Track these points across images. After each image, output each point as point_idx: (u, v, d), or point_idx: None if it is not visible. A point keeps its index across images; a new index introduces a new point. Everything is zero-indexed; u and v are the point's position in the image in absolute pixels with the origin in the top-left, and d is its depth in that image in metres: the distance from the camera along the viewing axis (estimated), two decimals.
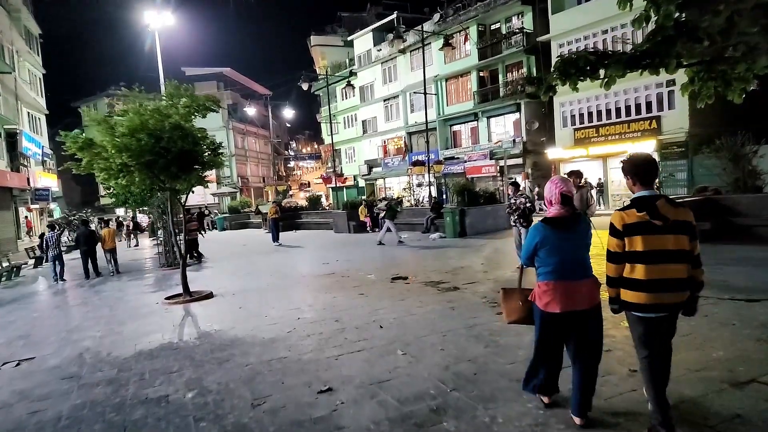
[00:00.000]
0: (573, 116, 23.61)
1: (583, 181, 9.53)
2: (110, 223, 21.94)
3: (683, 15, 7.40)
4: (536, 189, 23.16)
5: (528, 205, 8.85)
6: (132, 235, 24.35)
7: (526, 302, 3.29)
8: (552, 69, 8.79)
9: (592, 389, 3.06)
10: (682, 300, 2.77)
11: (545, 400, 3.32)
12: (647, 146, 20.10)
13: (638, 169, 2.85)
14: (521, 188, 10.73)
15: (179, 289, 8.90)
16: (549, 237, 3.01)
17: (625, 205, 2.93)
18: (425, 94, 21.66)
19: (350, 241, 16.80)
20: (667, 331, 2.86)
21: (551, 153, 24.46)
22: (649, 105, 20.48)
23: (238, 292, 9.03)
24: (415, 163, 23.99)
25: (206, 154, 8.37)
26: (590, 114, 22.84)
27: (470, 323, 5.54)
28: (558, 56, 8.76)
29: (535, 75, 26.19)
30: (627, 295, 2.79)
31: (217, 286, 9.92)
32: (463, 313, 6.05)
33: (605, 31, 21.43)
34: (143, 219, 30.66)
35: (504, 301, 3.51)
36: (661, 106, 20.06)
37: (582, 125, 23.12)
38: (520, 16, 26.64)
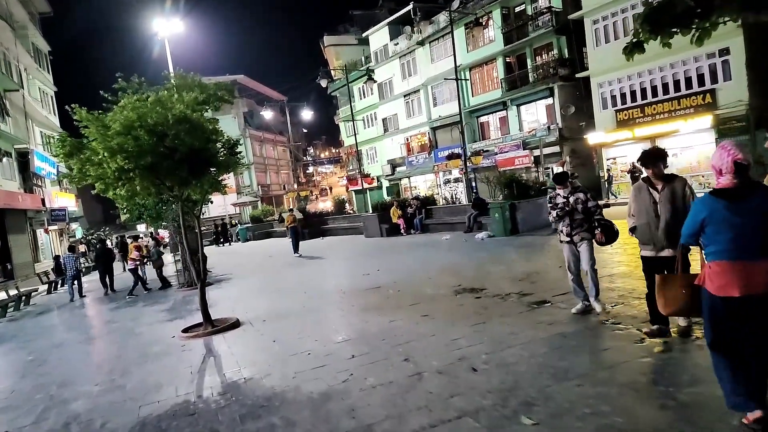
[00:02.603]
0: (614, 96, 21.58)
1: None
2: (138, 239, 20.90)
3: None
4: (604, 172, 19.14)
5: (591, 204, 5.08)
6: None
7: (690, 288, 2.94)
8: (639, 20, 7.09)
9: None
10: None
11: (754, 415, 2.55)
12: (702, 123, 18.06)
13: None
14: (572, 177, 7.94)
15: (199, 316, 7.45)
16: (718, 211, 2.66)
17: None
18: (457, 79, 19.96)
19: (386, 246, 15.23)
20: None
21: (591, 138, 22.48)
22: (701, 78, 18.35)
23: (268, 317, 7.54)
24: (450, 156, 22.32)
25: (221, 152, 6.91)
26: (633, 93, 20.78)
27: (608, 360, 3.90)
28: (645, 2, 7.04)
29: (567, 56, 24.37)
30: None
31: (243, 308, 8.48)
32: (582, 341, 4.40)
33: (645, 2, 19.41)
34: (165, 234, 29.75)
35: (662, 289, 3.19)
36: (716, 77, 17.92)
37: (624, 106, 21.07)
38: None
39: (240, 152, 7.76)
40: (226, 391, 4.49)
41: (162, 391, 4.73)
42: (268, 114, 40.48)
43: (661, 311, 3.33)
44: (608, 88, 21.66)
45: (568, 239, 5.14)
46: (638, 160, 4.10)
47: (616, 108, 21.33)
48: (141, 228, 38.42)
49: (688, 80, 18.71)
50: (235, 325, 7.29)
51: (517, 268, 8.42)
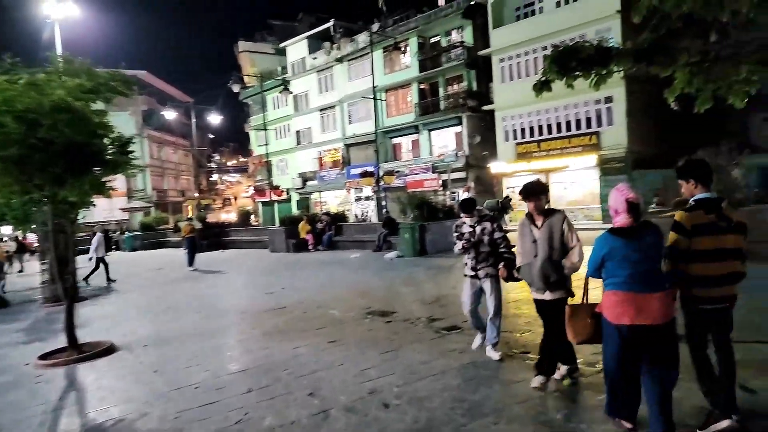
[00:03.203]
0: (515, 130, 23.25)
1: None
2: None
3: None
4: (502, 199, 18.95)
5: (498, 235, 4.53)
6: (11, 260, 19.91)
7: (594, 318, 3.11)
8: (548, 61, 7.52)
9: (670, 410, 2.84)
10: (737, 292, 3.01)
11: (627, 425, 2.98)
12: (588, 161, 20.07)
13: (699, 172, 3.06)
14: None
15: (65, 338, 6.30)
16: (617, 248, 2.90)
17: (690, 205, 3.04)
18: (375, 99, 20.05)
19: (292, 263, 14.55)
20: (726, 321, 3.03)
21: (494, 167, 23.93)
22: (588, 120, 20.49)
23: (152, 341, 6.61)
24: (364, 174, 22.23)
25: (109, 150, 5.99)
26: (531, 128, 22.56)
27: (521, 394, 3.81)
28: (553, 47, 7.51)
29: (475, 89, 25.83)
30: (695, 290, 2.97)
31: (121, 330, 7.40)
32: (494, 372, 4.30)
33: (545, 48, 21.26)
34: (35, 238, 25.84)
35: (571, 319, 3.28)
36: (600, 121, 20.13)
37: (524, 140, 22.80)
38: (460, 30, 26.19)
39: (133, 152, 6.82)
40: None
41: None
42: (170, 114, 37.55)
43: (571, 341, 3.40)
44: (510, 122, 23.26)
45: (473, 273, 4.59)
46: (519, 193, 3.90)
47: (516, 141, 22.94)
48: (5, 230, 33.10)
49: (578, 122, 20.75)
50: (109, 350, 6.28)
51: (427, 291, 8.36)
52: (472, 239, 4.53)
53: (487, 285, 4.53)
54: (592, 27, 18.19)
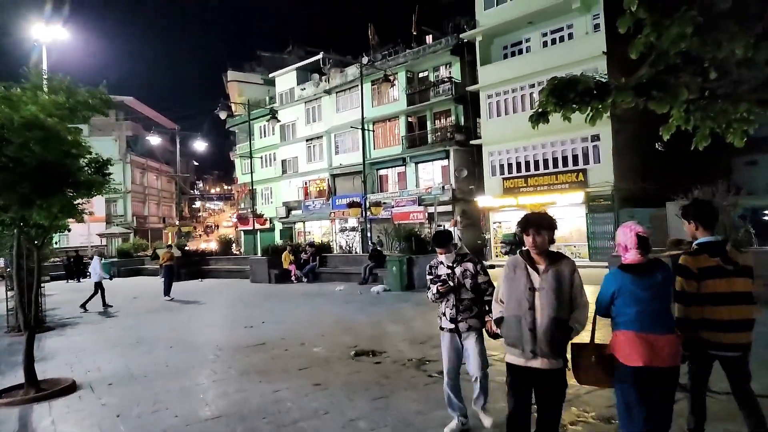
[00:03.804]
0: (502, 165, 23.40)
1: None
2: None
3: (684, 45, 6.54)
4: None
5: (482, 279, 3.83)
6: None
7: (601, 359, 2.89)
8: (545, 93, 7.46)
9: None
10: (751, 339, 2.96)
11: None
12: (575, 198, 20.17)
13: (703, 215, 3.11)
14: (458, 241, 5.31)
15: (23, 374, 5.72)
16: (626, 285, 2.81)
17: (694, 248, 3.05)
18: (363, 130, 20.06)
19: (274, 294, 13.99)
20: (743, 371, 2.99)
21: (481, 201, 23.93)
22: (576, 158, 20.72)
23: (117, 378, 6.06)
24: (351, 204, 21.96)
25: (83, 170, 5.61)
26: (519, 164, 22.73)
27: None
28: (550, 79, 7.46)
29: (463, 123, 26.14)
30: (705, 334, 2.94)
31: (86, 365, 6.83)
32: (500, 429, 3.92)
33: (532, 85, 21.74)
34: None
35: (575, 360, 3.01)
36: (588, 159, 20.36)
37: (511, 175, 22.92)
38: (448, 66, 26.70)
39: (110, 173, 6.45)
40: None
41: None
42: (155, 140, 37.07)
43: (578, 382, 3.13)
44: (497, 157, 23.44)
45: (452, 326, 3.75)
46: (518, 225, 3.10)
47: (503, 176, 23.06)
48: None
49: (565, 158, 20.96)
50: (70, 389, 5.71)
51: (417, 329, 7.96)
52: (451, 283, 3.72)
53: (470, 341, 3.72)
54: (578, 67, 18.55)
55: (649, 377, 2.71)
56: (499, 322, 3.04)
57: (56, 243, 21.43)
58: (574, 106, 7.04)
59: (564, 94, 7.01)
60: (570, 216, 20.85)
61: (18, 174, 4.91)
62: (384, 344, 6.92)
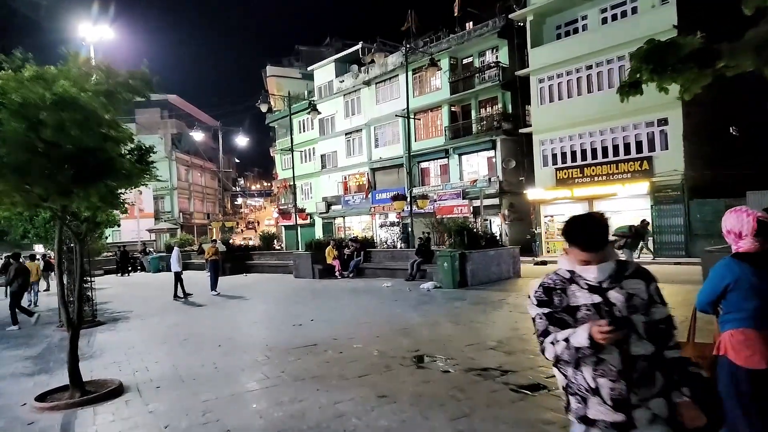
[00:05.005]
0: (554, 155, 22.01)
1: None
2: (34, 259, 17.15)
3: None
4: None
5: (662, 314, 1.89)
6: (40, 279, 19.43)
7: (703, 360, 2.49)
8: (637, 59, 6.45)
9: None
10: None
11: None
12: (639, 189, 18.63)
13: None
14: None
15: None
16: (745, 277, 2.45)
17: None
18: (408, 118, 19.32)
19: (320, 290, 13.52)
20: None
21: (531, 194, 22.65)
22: (639, 144, 19.09)
23: (165, 380, 5.64)
24: (396, 198, 21.28)
25: (125, 157, 5.16)
26: (573, 153, 21.30)
27: None
28: (647, 41, 6.44)
29: (510, 111, 24.88)
30: None
31: (134, 364, 6.50)
32: None
33: (589, 66, 20.25)
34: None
35: None
36: (653, 146, 18.70)
37: (564, 165, 21.51)
38: (494, 50, 25.48)
39: (152, 162, 6.02)
40: None
41: None
42: (198, 135, 37.69)
43: None
44: (549, 146, 22.10)
45: (618, 418, 1.82)
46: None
47: (556, 166, 21.71)
48: (39, 248, 33.01)
49: (627, 146, 19.38)
50: (117, 392, 5.32)
51: (483, 331, 7.19)
52: (615, 326, 1.74)
53: None
54: (641, 45, 17.10)
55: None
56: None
57: (107, 237, 21.92)
58: (675, 74, 6.03)
59: (662, 60, 6.01)
60: (632, 208, 19.36)
61: (54, 160, 4.49)
62: (448, 349, 6.19)
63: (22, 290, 10.79)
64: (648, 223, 16.55)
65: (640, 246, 15.92)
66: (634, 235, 11.81)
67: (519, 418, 3.86)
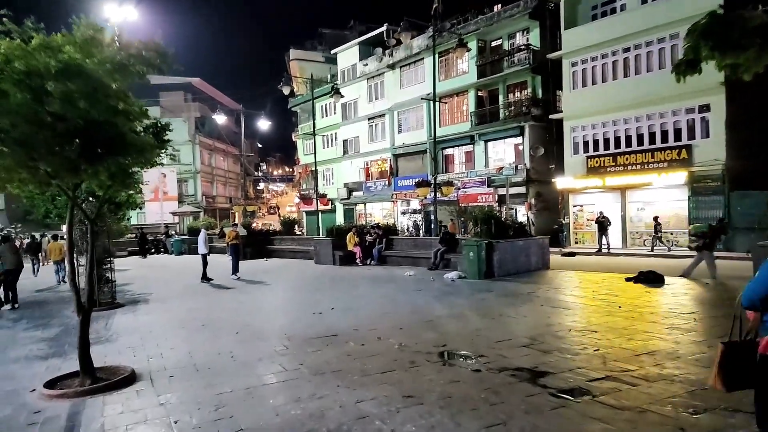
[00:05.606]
0: (586, 142, 21.08)
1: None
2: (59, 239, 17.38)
3: None
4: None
5: None
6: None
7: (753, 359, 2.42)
8: (694, 36, 5.81)
9: None
10: None
11: None
12: (676, 178, 17.64)
13: None
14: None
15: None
16: None
17: None
18: (434, 100, 18.73)
19: (340, 277, 13.22)
20: None
21: (560, 182, 21.80)
22: (678, 132, 18.04)
23: (179, 369, 5.39)
24: (419, 184, 20.81)
25: (139, 132, 4.85)
26: (606, 140, 20.33)
27: None
28: (707, 14, 5.78)
29: (540, 96, 23.92)
30: None
31: (149, 350, 6.29)
32: None
33: (626, 49, 19.17)
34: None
35: (726, 362, 2.52)
36: (693, 133, 17.62)
37: (596, 152, 20.56)
38: (525, 32, 24.44)
39: (169, 140, 5.71)
40: None
41: None
42: (221, 119, 37.60)
43: (719, 387, 2.62)
44: (581, 132, 21.18)
45: None
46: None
47: (587, 154, 20.81)
48: (65, 228, 33.82)
49: (665, 133, 18.36)
50: (129, 380, 5.09)
51: (513, 327, 6.74)
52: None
53: None
54: (685, 26, 16.02)
55: None
56: None
57: (129, 218, 22.05)
58: (739, 50, 5.41)
59: (725, 36, 5.39)
60: (667, 199, 18.44)
61: (60, 134, 4.18)
62: (477, 345, 5.76)
63: (7, 273, 10.47)
64: (727, 221, 14.56)
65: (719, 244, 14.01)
66: (712, 234, 10.50)
67: (562, 428, 3.42)
